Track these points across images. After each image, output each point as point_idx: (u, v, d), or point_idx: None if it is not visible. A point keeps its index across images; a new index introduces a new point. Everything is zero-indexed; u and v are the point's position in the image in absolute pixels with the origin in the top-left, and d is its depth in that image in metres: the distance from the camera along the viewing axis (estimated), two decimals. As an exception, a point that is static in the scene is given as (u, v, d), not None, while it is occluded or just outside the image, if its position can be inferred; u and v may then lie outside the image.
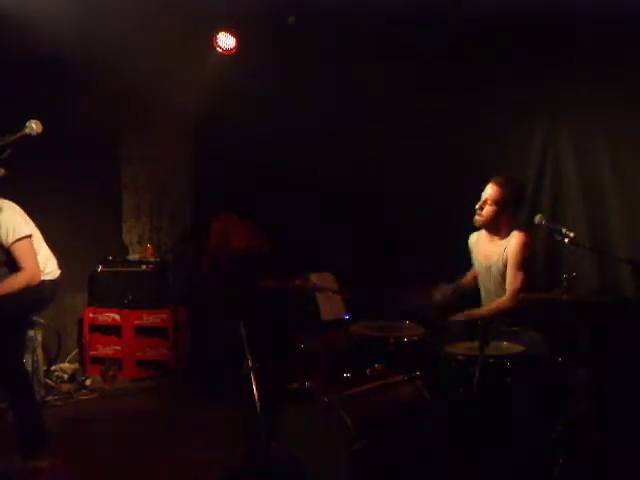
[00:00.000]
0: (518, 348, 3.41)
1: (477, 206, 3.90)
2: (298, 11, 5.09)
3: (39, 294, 3.73)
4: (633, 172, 4.43)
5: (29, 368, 4.71)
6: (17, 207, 3.72)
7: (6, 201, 3.68)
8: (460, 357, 3.36)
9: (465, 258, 4.13)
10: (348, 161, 5.12)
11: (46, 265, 3.75)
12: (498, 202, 3.85)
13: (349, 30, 4.93)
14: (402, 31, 4.85)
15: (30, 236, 3.65)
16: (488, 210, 3.86)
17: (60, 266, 3.88)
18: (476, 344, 3.24)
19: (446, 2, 4.49)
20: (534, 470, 3.18)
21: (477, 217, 3.91)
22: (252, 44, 5.23)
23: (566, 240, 3.42)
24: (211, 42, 5.29)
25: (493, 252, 3.90)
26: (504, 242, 3.86)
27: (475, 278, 4.08)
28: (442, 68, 4.82)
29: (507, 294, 3.74)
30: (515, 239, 3.80)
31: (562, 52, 4.52)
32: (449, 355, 3.41)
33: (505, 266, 3.81)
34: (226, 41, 5.30)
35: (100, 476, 3.70)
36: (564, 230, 3.44)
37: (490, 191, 3.87)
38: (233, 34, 5.28)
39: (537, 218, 3.78)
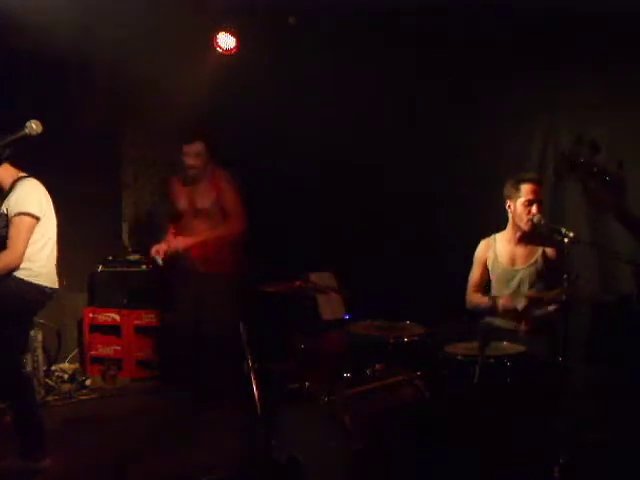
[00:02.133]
0: (518, 348, 3.41)
1: (535, 210, 3.79)
2: (298, 11, 5.09)
3: (20, 293, 3.63)
4: (633, 172, 4.43)
5: (29, 368, 4.71)
6: (42, 191, 3.71)
7: (33, 180, 3.69)
8: (460, 357, 3.37)
9: (463, 258, 4.13)
10: (348, 160, 5.12)
11: (31, 264, 3.65)
12: (541, 201, 3.85)
13: (349, 30, 4.93)
14: (402, 31, 4.86)
15: (36, 218, 3.59)
16: (537, 210, 3.80)
17: (57, 282, 3.83)
18: (476, 344, 3.25)
19: (447, 2, 4.49)
20: (534, 470, 3.18)
21: (528, 220, 3.81)
22: (252, 44, 5.23)
23: (566, 240, 3.42)
24: (211, 42, 5.29)
25: (524, 254, 3.90)
26: (535, 244, 3.88)
27: None
28: (442, 68, 4.82)
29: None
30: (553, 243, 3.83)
31: (562, 52, 4.52)
32: (449, 355, 3.42)
33: (546, 266, 3.84)
34: (226, 41, 5.30)
35: (100, 476, 3.70)
36: (564, 230, 3.43)
37: (537, 190, 3.83)
38: (233, 34, 5.28)
39: (536, 218, 3.77)
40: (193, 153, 4.66)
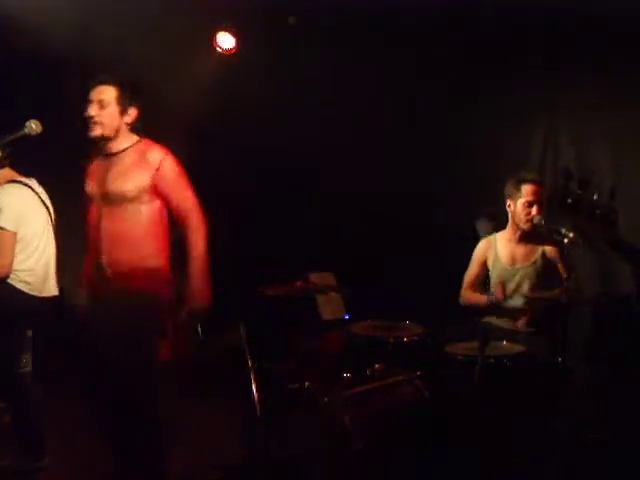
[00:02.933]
0: (518, 348, 3.41)
1: (534, 211, 3.79)
2: (298, 11, 5.09)
3: (7, 297, 3.60)
4: (633, 172, 4.43)
5: (29, 368, 4.70)
6: (24, 198, 3.65)
7: (17, 186, 3.66)
8: (460, 357, 3.37)
9: (463, 258, 4.14)
10: (348, 160, 5.12)
11: (16, 272, 3.62)
12: (542, 202, 3.84)
13: (349, 30, 4.93)
14: (402, 31, 4.86)
15: (10, 231, 3.55)
16: (537, 210, 3.80)
17: (53, 289, 3.79)
18: (476, 344, 3.25)
19: (447, 2, 4.50)
20: (534, 470, 3.18)
21: (528, 220, 3.81)
22: (252, 44, 5.23)
23: (565, 240, 3.41)
24: (211, 42, 5.29)
25: (524, 253, 3.90)
26: (535, 243, 3.88)
27: None
28: (442, 68, 4.83)
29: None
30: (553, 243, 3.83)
31: (562, 52, 4.52)
32: (449, 355, 3.42)
33: (546, 266, 3.84)
34: (226, 41, 5.30)
35: (100, 476, 3.69)
36: (563, 230, 3.43)
37: (538, 191, 3.82)
38: (233, 34, 5.28)
39: (537, 219, 3.77)
40: (96, 99, 3.11)
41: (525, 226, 3.85)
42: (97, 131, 3.09)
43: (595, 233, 2.33)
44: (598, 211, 2.33)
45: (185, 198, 3.16)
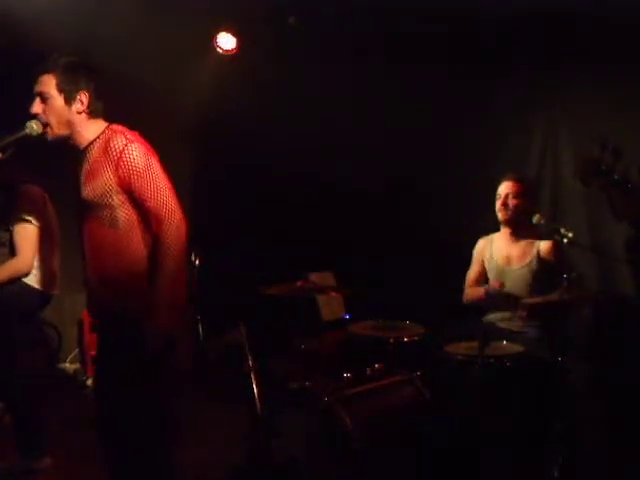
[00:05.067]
0: (518, 348, 3.41)
1: (499, 204, 3.90)
2: (298, 11, 5.09)
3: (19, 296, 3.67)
4: (634, 171, 4.43)
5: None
6: (40, 197, 3.74)
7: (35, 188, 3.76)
8: (460, 357, 3.37)
9: (463, 258, 4.15)
10: (348, 160, 5.12)
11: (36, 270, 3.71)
12: (519, 195, 3.89)
13: (349, 29, 4.93)
14: (402, 30, 4.86)
15: (35, 225, 3.64)
16: (513, 203, 3.88)
17: (55, 287, 3.85)
18: (476, 344, 3.25)
19: (449, 2, 4.50)
20: (534, 470, 3.18)
21: (503, 212, 3.90)
22: (252, 44, 5.23)
23: (565, 240, 3.42)
24: (211, 42, 5.29)
25: (519, 254, 3.92)
26: (531, 243, 3.89)
27: None
28: (442, 68, 4.83)
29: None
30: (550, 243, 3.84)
31: (562, 52, 4.53)
32: (449, 355, 3.42)
33: (542, 267, 3.85)
34: (226, 41, 5.30)
35: (100, 476, 3.69)
36: (563, 230, 3.44)
37: (510, 185, 3.90)
38: (233, 34, 5.28)
39: (536, 218, 3.78)
40: (37, 92, 2.73)
41: (500, 216, 3.92)
42: (49, 135, 2.71)
43: (626, 208, 2.31)
44: (630, 185, 2.31)
45: (152, 198, 2.59)
